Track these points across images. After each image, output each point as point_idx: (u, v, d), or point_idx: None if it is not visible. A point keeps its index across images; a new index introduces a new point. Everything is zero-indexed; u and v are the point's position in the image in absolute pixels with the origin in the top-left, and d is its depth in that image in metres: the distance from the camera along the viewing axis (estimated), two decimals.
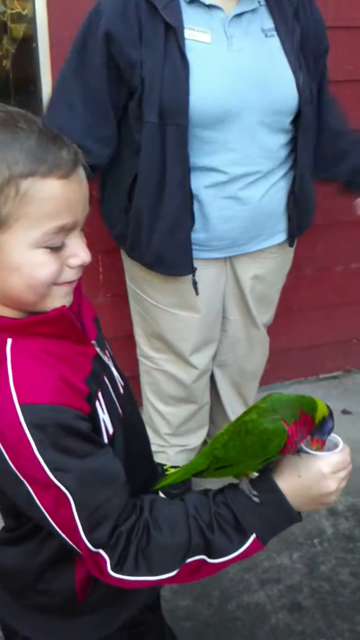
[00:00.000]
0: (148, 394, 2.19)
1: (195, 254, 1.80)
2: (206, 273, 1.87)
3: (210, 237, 1.80)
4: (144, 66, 1.60)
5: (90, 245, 0.88)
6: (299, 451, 0.93)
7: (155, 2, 1.56)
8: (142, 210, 1.74)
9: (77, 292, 0.93)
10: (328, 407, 0.95)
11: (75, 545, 0.85)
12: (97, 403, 0.92)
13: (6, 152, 0.76)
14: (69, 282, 0.87)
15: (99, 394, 0.93)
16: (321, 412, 0.92)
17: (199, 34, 1.60)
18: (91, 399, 0.90)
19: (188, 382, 2.07)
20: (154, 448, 2.24)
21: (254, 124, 1.67)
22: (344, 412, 2.72)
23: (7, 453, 0.81)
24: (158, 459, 2.25)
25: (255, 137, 1.69)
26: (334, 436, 0.95)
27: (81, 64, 1.64)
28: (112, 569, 0.85)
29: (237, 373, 2.21)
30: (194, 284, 1.82)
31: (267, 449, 0.88)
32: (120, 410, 0.99)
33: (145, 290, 1.95)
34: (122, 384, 1.05)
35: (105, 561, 0.84)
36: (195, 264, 1.80)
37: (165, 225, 1.73)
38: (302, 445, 0.93)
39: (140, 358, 2.17)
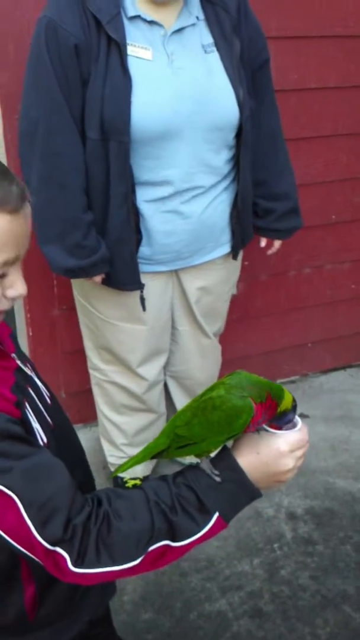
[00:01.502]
0: (101, 405, 2.19)
1: (141, 267, 1.81)
2: (152, 286, 1.88)
3: (154, 252, 1.80)
4: (88, 81, 1.61)
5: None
6: (258, 430, 0.94)
7: (100, 17, 1.56)
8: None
9: None
10: (294, 400, 0.96)
11: (29, 549, 0.84)
12: (26, 411, 0.93)
13: None
14: (1, 311, 0.89)
15: (26, 404, 0.94)
16: (286, 402, 0.93)
17: (140, 50, 1.60)
18: (20, 406, 0.90)
19: (139, 392, 2.08)
20: (111, 460, 2.25)
21: (196, 141, 1.68)
22: (301, 415, 2.70)
23: None
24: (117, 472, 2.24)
25: (198, 153, 1.70)
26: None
27: (54, 88, 1.60)
28: (73, 564, 0.83)
29: (191, 383, 2.22)
30: (142, 299, 1.83)
31: (233, 426, 0.89)
32: (49, 420, 1.00)
33: (92, 303, 1.95)
34: (48, 394, 1.06)
35: (64, 559, 0.83)
36: (142, 277, 1.81)
37: (111, 240, 1.73)
38: (263, 425, 0.94)
39: (90, 370, 2.17)
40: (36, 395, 1.00)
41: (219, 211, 1.83)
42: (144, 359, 2.00)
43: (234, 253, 1.95)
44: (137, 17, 1.61)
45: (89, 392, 2.26)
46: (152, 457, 1.02)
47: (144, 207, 1.73)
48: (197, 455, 0.97)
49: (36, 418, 0.95)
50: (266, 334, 2.83)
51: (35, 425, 0.94)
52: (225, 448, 0.96)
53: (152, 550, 0.87)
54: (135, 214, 1.72)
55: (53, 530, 0.83)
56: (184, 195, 1.74)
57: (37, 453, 0.86)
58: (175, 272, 1.91)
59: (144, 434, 2.19)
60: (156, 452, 1.01)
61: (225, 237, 1.90)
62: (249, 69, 1.76)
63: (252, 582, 1.98)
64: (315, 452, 2.51)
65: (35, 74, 1.62)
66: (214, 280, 1.98)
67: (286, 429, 0.95)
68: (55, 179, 1.65)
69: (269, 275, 2.71)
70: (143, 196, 1.72)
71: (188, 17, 1.65)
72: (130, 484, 2.24)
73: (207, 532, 0.90)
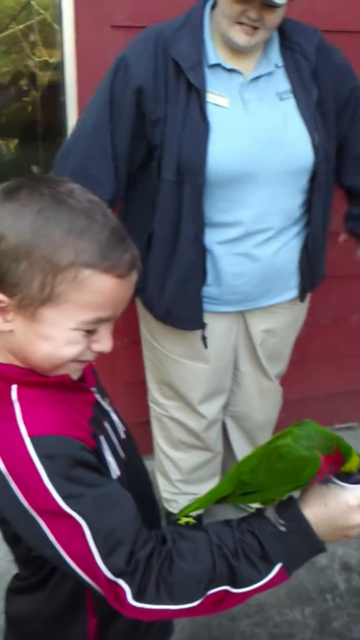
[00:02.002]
0: (159, 439, 2.20)
1: (207, 307, 1.83)
2: (218, 326, 1.89)
3: (222, 292, 1.83)
4: (166, 124, 1.66)
5: None
6: (326, 481, 0.93)
7: (182, 64, 1.61)
8: (155, 264, 1.78)
9: None
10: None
11: (92, 578, 0.85)
12: (101, 444, 0.95)
13: (78, 240, 0.82)
14: (84, 362, 0.92)
15: (101, 437, 0.96)
16: (354, 462, 0.92)
17: (218, 98, 1.66)
18: (95, 438, 0.92)
19: (198, 430, 2.08)
20: (165, 495, 2.25)
21: (271, 184, 1.71)
22: None
23: (17, 487, 0.83)
24: (170, 507, 2.24)
25: (271, 196, 1.73)
26: None
27: (105, 117, 1.67)
28: (134, 598, 0.84)
29: (250, 424, 2.21)
30: (203, 339, 1.85)
31: (299, 477, 0.89)
32: (122, 454, 1.02)
33: (157, 338, 1.98)
34: (124, 428, 1.08)
35: (124, 591, 0.84)
36: (207, 317, 1.84)
37: (177, 280, 1.77)
38: (332, 478, 0.93)
39: (151, 404, 2.19)
40: (111, 429, 1.02)
41: (289, 256, 1.85)
42: (205, 397, 2.01)
43: (301, 296, 1.95)
44: (218, 65, 1.66)
45: (146, 424, 2.27)
46: (216, 502, 1.02)
47: (215, 248, 1.76)
48: (262, 503, 0.97)
49: (110, 451, 0.97)
50: (325, 378, 2.80)
51: (109, 458, 0.96)
52: (291, 497, 0.95)
53: (212, 594, 0.87)
54: (203, 254, 1.75)
55: (117, 561, 0.83)
56: (256, 237, 1.76)
57: (107, 483, 0.88)
58: (242, 313, 1.92)
59: (199, 472, 2.19)
60: (220, 497, 1.01)
61: (294, 281, 1.91)
62: (331, 112, 1.77)
63: (303, 632, 1.93)
64: None
65: (93, 100, 1.70)
66: (280, 323, 1.99)
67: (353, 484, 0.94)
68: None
69: (330, 318, 2.69)
70: (214, 237, 1.75)
71: (267, 65, 1.70)
72: (183, 521, 2.23)
73: (268, 582, 0.89)
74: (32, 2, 2.31)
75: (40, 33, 2.58)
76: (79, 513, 0.83)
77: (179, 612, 0.87)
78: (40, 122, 2.59)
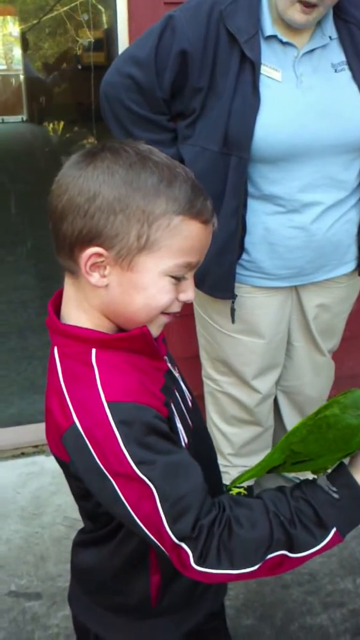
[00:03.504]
0: (212, 414, 2.24)
1: (260, 282, 1.86)
2: (272, 301, 1.91)
3: (275, 266, 1.83)
4: (209, 94, 1.68)
5: None
6: None
7: (238, 36, 1.62)
8: None
9: None
10: None
11: (158, 539, 0.89)
12: (173, 412, 0.98)
13: (168, 190, 0.88)
14: (172, 314, 0.96)
15: (172, 405, 0.99)
16: None
17: (272, 71, 1.66)
18: (167, 406, 0.96)
19: (251, 405, 2.11)
20: None
21: (324, 156, 1.71)
22: None
23: (94, 449, 0.87)
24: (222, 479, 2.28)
25: (325, 168, 1.73)
26: None
27: (140, 51, 1.70)
28: (196, 562, 0.88)
29: (302, 399, 2.23)
30: (232, 311, 1.87)
31: (349, 444, 0.91)
32: (190, 422, 1.05)
33: (211, 315, 2.00)
34: (190, 397, 1.11)
35: (188, 555, 0.88)
36: (261, 292, 1.86)
37: (213, 249, 1.77)
38: None
39: (204, 379, 2.22)
40: (180, 397, 1.05)
41: (346, 229, 1.84)
42: (259, 372, 2.04)
43: None
44: (274, 37, 1.67)
45: (199, 399, 2.31)
46: (268, 472, 1.05)
47: (269, 221, 1.77)
48: (313, 472, 0.99)
49: (179, 418, 1.01)
50: None
51: (179, 425, 1.00)
52: (342, 464, 0.98)
53: (270, 559, 0.91)
54: (243, 228, 1.77)
55: (183, 526, 0.87)
56: (310, 210, 1.76)
57: (178, 452, 0.91)
58: (295, 287, 1.94)
59: (250, 446, 2.22)
60: (272, 467, 1.04)
61: (351, 255, 1.91)
62: None
63: (355, 601, 1.96)
64: None
65: (138, 46, 1.72)
66: (334, 298, 1.99)
67: None
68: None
69: None
70: (266, 209, 1.76)
71: (321, 38, 1.70)
72: (234, 492, 2.28)
73: (324, 546, 0.92)
74: None
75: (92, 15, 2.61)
76: (150, 479, 0.87)
77: (239, 576, 0.91)
78: (92, 103, 2.63)
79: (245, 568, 0.90)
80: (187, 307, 2.26)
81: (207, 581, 0.91)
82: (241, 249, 1.80)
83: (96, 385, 0.88)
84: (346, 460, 0.99)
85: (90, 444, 0.88)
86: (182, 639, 1.13)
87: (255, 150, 1.67)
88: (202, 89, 1.68)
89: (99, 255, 0.89)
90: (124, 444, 0.86)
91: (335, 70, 1.71)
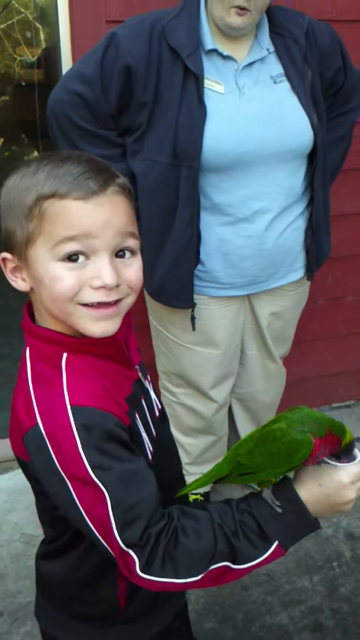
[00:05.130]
0: (170, 426, 2.26)
1: (215, 292, 1.90)
2: (226, 311, 1.96)
3: (230, 275, 1.88)
4: (155, 108, 1.73)
5: None
6: (319, 462, 0.99)
7: (180, 51, 1.68)
8: (148, 243, 1.83)
9: (127, 321, 1.01)
10: (352, 437, 1.01)
11: (108, 543, 0.91)
12: (136, 422, 1.00)
13: (39, 179, 0.90)
14: (97, 307, 0.91)
15: (137, 415, 1.01)
16: (349, 437, 0.99)
17: (214, 84, 1.72)
18: (130, 416, 0.98)
19: (208, 415, 2.15)
20: None
21: (270, 164, 1.77)
22: (357, 439, 2.78)
23: (53, 451, 0.89)
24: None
25: (272, 176, 1.79)
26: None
27: (84, 69, 1.73)
28: (141, 570, 0.90)
29: (255, 405, 2.28)
30: (192, 319, 1.91)
31: (292, 459, 0.94)
32: (154, 433, 1.07)
33: (167, 327, 2.04)
34: (159, 407, 1.14)
35: (134, 562, 0.90)
36: (215, 302, 1.91)
37: (170, 260, 1.83)
38: (325, 459, 0.99)
39: (162, 390, 2.25)
40: (147, 407, 1.07)
41: (294, 236, 1.90)
42: (216, 382, 2.08)
43: (309, 274, 2.01)
44: (214, 50, 1.73)
45: None
46: (215, 482, 1.08)
47: (221, 231, 1.82)
48: (258, 485, 1.02)
49: (144, 429, 1.03)
50: (322, 358, 2.88)
51: (143, 434, 1.02)
52: (287, 478, 1.01)
53: (214, 569, 0.93)
54: (198, 237, 1.81)
55: (131, 534, 0.90)
56: (260, 218, 1.81)
57: (135, 461, 0.93)
58: (248, 297, 1.99)
59: (206, 454, 2.26)
60: (218, 478, 1.07)
61: (299, 262, 1.97)
62: (322, 93, 1.85)
63: (312, 598, 2.01)
64: None
65: (83, 63, 1.75)
66: (286, 305, 2.05)
67: (346, 462, 1.00)
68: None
69: (326, 300, 2.77)
70: (218, 219, 1.81)
71: (259, 51, 1.77)
72: (191, 498, 2.31)
73: (266, 558, 0.96)
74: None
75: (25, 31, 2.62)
76: (104, 484, 0.89)
77: (183, 585, 0.93)
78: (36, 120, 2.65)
79: (188, 578, 0.92)
80: (141, 319, 2.30)
81: (152, 589, 0.93)
82: (197, 258, 1.84)
83: (62, 388, 0.90)
84: (291, 474, 1.02)
85: (51, 446, 0.90)
86: None
87: (205, 159, 1.72)
88: (147, 104, 1.73)
89: (5, 259, 0.94)
90: (82, 448, 0.88)
91: (275, 82, 1.78)
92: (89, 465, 0.88)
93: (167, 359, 2.12)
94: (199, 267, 1.87)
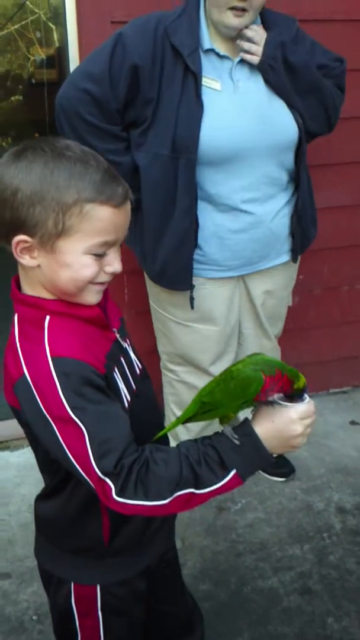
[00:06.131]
0: (170, 404, 2.39)
1: (211, 274, 2.04)
2: (222, 290, 2.10)
3: (225, 258, 2.03)
4: (159, 103, 1.86)
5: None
6: (273, 403, 1.12)
7: (182, 50, 1.82)
8: (149, 230, 2.00)
9: (106, 292, 1.17)
10: (305, 383, 1.14)
11: (87, 474, 1.04)
12: (114, 374, 1.14)
13: (79, 181, 1.02)
14: (102, 283, 1.11)
15: (115, 369, 1.15)
16: (302, 382, 1.12)
17: (211, 82, 1.86)
18: (108, 368, 1.12)
19: None
20: None
21: (262, 157, 1.92)
22: (352, 422, 2.90)
23: (38, 396, 1.03)
24: None
25: (263, 169, 1.94)
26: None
27: (93, 67, 1.86)
28: (117, 494, 1.04)
29: None
30: (191, 299, 2.06)
31: (246, 392, 1.08)
32: (134, 387, 1.21)
33: (166, 308, 2.17)
34: (140, 366, 1.27)
35: (110, 488, 1.03)
36: (211, 283, 2.05)
37: (170, 246, 1.98)
38: (278, 400, 1.12)
39: (163, 370, 2.38)
40: (127, 365, 1.21)
41: (283, 222, 2.06)
42: (215, 358, 2.21)
43: (294, 256, 2.16)
44: (211, 50, 1.87)
45: (158, 393, 2.47)
46: (184, 422, 1.21)
47: (217, 218, 1.97)
48: (220, 422, 1.15)
49: (123, 382, 1.17)
50: (319, 346, 3.00)
51: (121, 386, 1.16)
52: (246, 419, 1.14)
53: (179, 495, 1.06)
54: (196, 223, 1.96)
55: (107, 463, 1.03)
56: (252, 206, 1.97)
57: (110, 404, 1.07)
58: (242, 277, 2.13)
59: (205, 431, 2.38)
60: (187, 418, 1.20)
61: (287, 246, 2.13)
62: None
63: (302, 564, 2.13)
64: None
65: (91, 62, 1.88)
66: (276, 284, 2.20)
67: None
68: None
69: (323, 289, 2.89)
70: (213, 208, 1.96)
71: None
72: None
73: (225, 484, 1.08)
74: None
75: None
76: (82, 422, 1.02)
77: (152, 508, 1.05)
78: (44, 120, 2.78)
79: (157, 501, 1.05)
80: (142, 304, 2.43)
81: (124, 512, 1.06)
82: (195, 243, 1.99)
83: (44, 342, 1.05)
84: (250, 417, 1.15)
85: (36, 392, 1.04)
86: (137, 577, 1.28)
87: (201, 152, 1.86)
88: (152, 100, 1.86)
89: (25, 241, 1.05)
90: (62, 392, 1.02)
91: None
92: (69, 406, 1.02)
93: (167, 339, 2.25)
94: (197, 251, 2.01)
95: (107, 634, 1.27)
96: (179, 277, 2.03)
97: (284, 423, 1.10)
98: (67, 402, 1.02)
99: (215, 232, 1.99)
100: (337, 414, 2.97)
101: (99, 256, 1.07)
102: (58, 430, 1.04)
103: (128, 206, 1.09)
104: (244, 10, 1.81)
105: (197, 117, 1.84)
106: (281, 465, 2.57)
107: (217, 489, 1.07)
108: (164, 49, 1.84)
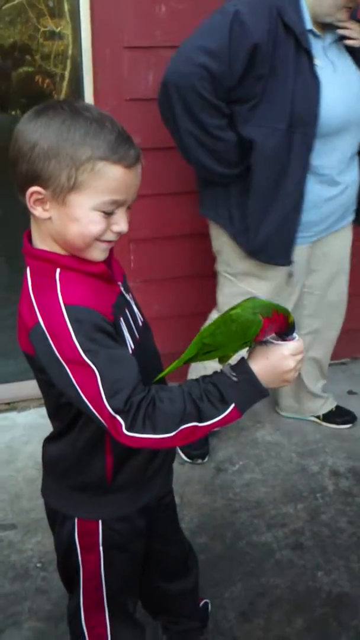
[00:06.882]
0: None
1: (301, 240, 2.20)
2: (305, 253, 2.28)
3: (317, 224, 2.20)
4: (270, 79, 1.96)
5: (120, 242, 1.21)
6: (267, 342, 1.20)
7: (295, 29, 1.93)
8: (258, 204, 2.09)
9: (111, 251, 1.23)
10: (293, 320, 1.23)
11: (99, 412, 1.12)
12: (120, 323, 1.22)
13: (93, 139, 1.09)
14: (108, 242, 1.18)
15: (121, 318, 1.23)
16: (291, 319, 1.21)
17: (316, 59, 2.00)
18: (115, 316, 1.19)
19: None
20: None
21: (352, 131, 2.10)
22: (350, 392, 2.99)
23: (52, 341, 1.11)
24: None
25: (353, 141, 2.13)
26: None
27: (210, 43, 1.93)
28: (127, 429, 1.12)
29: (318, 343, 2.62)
30: (290, 275, 2.20)
31: (246, 334, 1.16)
32: (137, 336, 1.29)
33: (244, 279, 2.27)
34: (142, 319, 1.35)
35: (120, 424, 1.11)
36: (300, 249, 2.21)
37: (277, 218, 2.09)
38: (271, 340, 1.20)
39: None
40: (130, 315, 1.29)
41: (355, 187, 2.29)
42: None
43: (357, 217, 2.40)
44: (310, 31, 2.00)
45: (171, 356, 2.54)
46: (185, 362, 1.28)
47: (316, 188, 2.12)
48: (219, 361, 1.23)
49: (127, 330, 1.25)
50: None
51: (126, 334, 1.23)
52: (242, 358, 1.22)
53: (184, 429, 1.14)
54: (302, 198, 2.09)
55: (117, 401, 1.11)
56: (343, 176, 2.16)
57: (119, 348, 1.15)
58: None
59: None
60: (188, 358, 1.27)
61: (354, 207, 2.37)
62: None
63: (295, 522, 2.23)
64: None
65: (206, 38, 1.94)
66: (346, 241, 2.44)
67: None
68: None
69: None
70: (315, 179, 2.11)
71: (334, 32, 2.07)
72: None
73: (225, 417, 1.16)
74: None
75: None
76: (94, 364, 1.10)
77: (160, 440, 1.13)
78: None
79: (164, 434, 1.13)
80: (147, 273, 2.49)
81: (134, 445, 1.13)
82: (300, 216, 2.12)
83: (57, 292, 1.12)
84: (246, 356, 1.23)
85: (50, 338, 1.11)
86: (137, 514, 1.37)
87: (318, 127, 1.99)
88: (263, 76, 1.96)
89: (39, 193, 1.12)
90: (75, 336, 1.09)
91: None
92: (81, 349, 1.09)
93: None
94: None
95: (107, 568, 1.36)
96: (281, 251, 2.15)
97: (277, 359, 1.18)
98: (80, 346, 1.09)
99: (312, 200, 2.13)
100: (336, 384, 3.05)
101: (108, 215, 1.13)
102: (71, 373, 1.11)
103: (139, 169, 1.15)
104: (350, 9, 2.00)
105: (315, 92, 1.96)
106: (345, 413, 2.74)
107: (218, 421, 1.16)
108: (277, 26, 1.92)
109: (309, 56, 1.95)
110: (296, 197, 2.07)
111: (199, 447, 2.52)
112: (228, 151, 2.04)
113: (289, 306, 2.34)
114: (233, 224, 2.18)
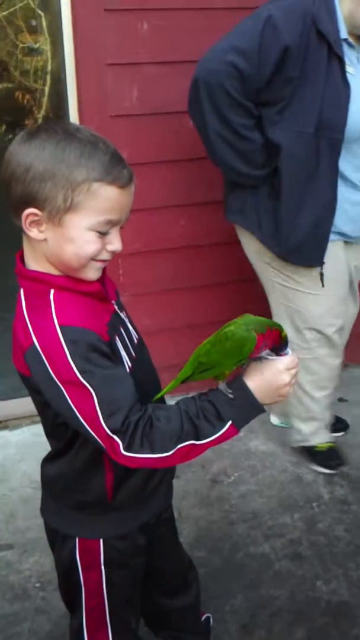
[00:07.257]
0: (305, 385, 2.41)
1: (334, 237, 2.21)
2: (342, 253, 2.27)
3: (346, 225, 2.20)
4: (300, 83, 1.98)
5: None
6: (261, 358, 1.21)
7: (329, 37, 1.95)
8: (289, 206, 2.11)
9: (104, 269, 1.24)
10: (286, 335, 1.24)
11: (96, 433, 1.12)
12: (116, 341, 1.22)
13: (88, 161, 1.10)
14: (103, 261, 1.19)
15: (116, 337, 1.23)
16: (284, 333, 1.22)
17: (349, 67, 2.02)
18: (110, 335, 1.19)
19: (336, 355, 2.42)
20: (306, 433, 2.52)
21: None
22: (341, 399, 3.00)
23: (48, 362, 1.11)
24: (315, 441, 2.54)
25: None
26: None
27: (242, 43, 1.96)
28: (124, 449, 1.12)
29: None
30: (321, 275, 2.19)
31: (241, 351, 1.17)
32: (133, 354, 1.29)
33: (300, 282, 2.26)
34: (137, 336, 1.36)
35: (118, 444, 1.12)
36: (334, 245, 2.21)
37: (311, 220, 2.10)
38: (265, 355, 1.21)
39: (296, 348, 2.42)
40: (125, 333, 1.29)
41: None
42: (336, 321, 2.35)
43: None
44: (345, 40, 2.02)
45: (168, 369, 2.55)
46: (182, 382, 1.28)
47: (344, 191, 2.13)
48: (215, 379, 1.24)
49: (123, 349, 1.25)
50: None
51: (122, 352, 1.24)
52: (238, 375, 1.22)
53: (182, 447, 1.15)
54: (335, 201, 2.11)
55: (115, 421, 1.11)
56: None
57: (115, 368, 1.15)
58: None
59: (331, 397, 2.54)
60: (185, 378, 1.27)
61: None
62: None
63: (292, 532, 2.23)
64: (352, 431, 2.76)
65: (238, 38, 1.97)
66: None
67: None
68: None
69: None
70: (343, 182, 2.13)
71: None
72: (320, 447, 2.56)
73: (222, 434, 1.17)
74: None
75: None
76: (90, 385, 1.10)
77: (158, 460, 1.14)
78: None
79: (162, 453, 1.14)
80: (135, 288, 2.49)
81: (132, 465, 1.14)
82: (333, 220, 2.14)
83: (51, 313, 1.12)
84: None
85: (46, 359, 1.11)
86: (137, 531, 1.37)
87: (345, 132, 2.01)
88: (293, 79, 1.98)
89: (35, 214, 1.12)
90: (71, 357, 1.09)
91: None
92: (77, 370, 1.10)
93: (293, 312, 2.32)
94: None
95: (109, 586, 1.35)
96: (314, 254, 2.16)
97: (272, 374, 1.19)
98: (76, 366, 1.09)
99: (342, 206, 2.14)
100: None
101: (102, 234, 1.14)
102: (67, 394, 1.11)
103: (132, 188, 1.16)
104: None
105: (345, 98, 1.98)
106: (337, 421, 2.72)
107: (215, 439, 1.16)
108: (310, 32, 1.95)
109: (341, 63, 1.98)
110: (329, 197, 2.09)
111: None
112: (254, 152, 2.08)
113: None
114: (263, 230, 2.20)
